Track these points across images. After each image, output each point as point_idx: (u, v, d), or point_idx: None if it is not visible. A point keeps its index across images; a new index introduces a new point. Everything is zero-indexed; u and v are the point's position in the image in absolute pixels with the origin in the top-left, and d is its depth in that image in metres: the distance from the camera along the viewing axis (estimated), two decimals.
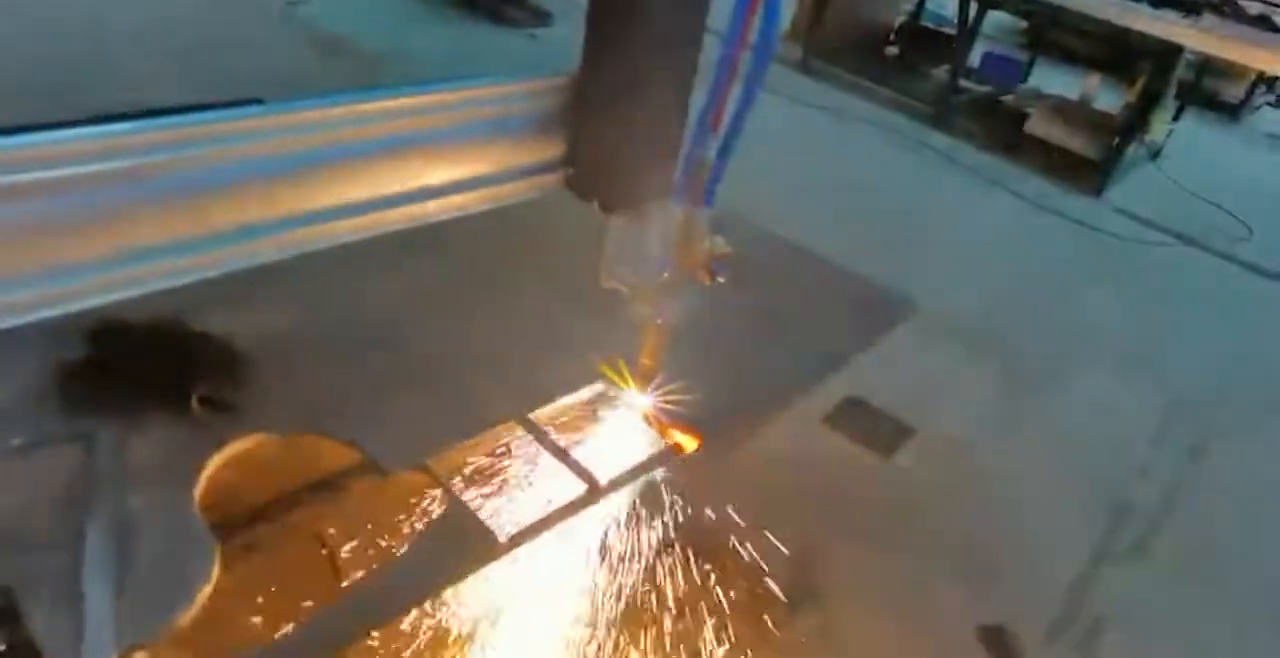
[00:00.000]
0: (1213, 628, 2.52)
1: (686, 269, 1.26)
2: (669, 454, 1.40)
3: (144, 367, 1.27)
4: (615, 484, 1.31)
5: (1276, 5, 4.76)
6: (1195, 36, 4.70)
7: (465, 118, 1.16)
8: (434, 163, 1.17)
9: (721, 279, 1.27)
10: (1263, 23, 4.60)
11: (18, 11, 4.09)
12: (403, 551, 1.27)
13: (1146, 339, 3.89)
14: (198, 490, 1.17)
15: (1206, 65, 6.18)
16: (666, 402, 1.47)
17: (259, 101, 1.06)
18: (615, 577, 1.62)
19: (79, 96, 3.08)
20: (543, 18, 6.02)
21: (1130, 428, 3.30)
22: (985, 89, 6.25)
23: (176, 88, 3.33)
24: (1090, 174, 5.32)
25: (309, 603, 1.52)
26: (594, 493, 1.29)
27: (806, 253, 2.22)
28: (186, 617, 1.03)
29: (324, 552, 1.58)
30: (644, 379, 1.48)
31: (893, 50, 6.79)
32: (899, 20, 6.87)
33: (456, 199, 1.19)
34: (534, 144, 1.23)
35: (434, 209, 1.17)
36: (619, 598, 1.67)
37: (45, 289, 0.91)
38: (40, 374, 1.24)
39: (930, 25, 6.74)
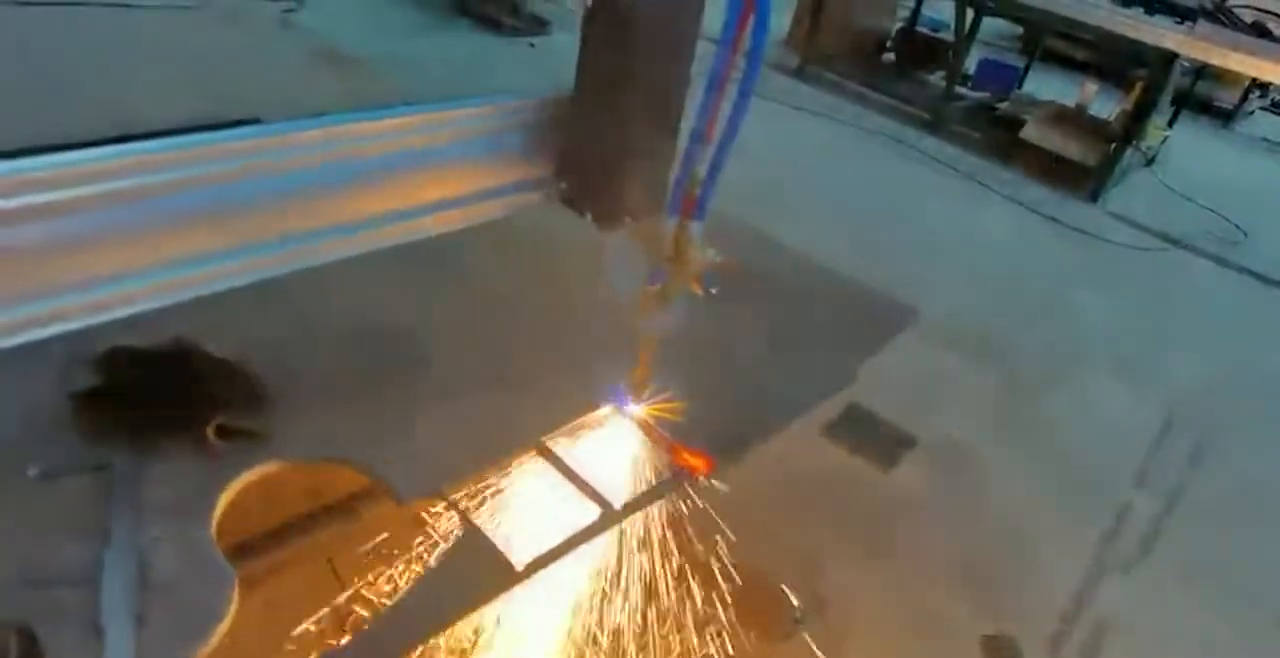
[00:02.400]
0: (1215, 634, 2.54)
1: (680, 280, 1.28)
2: (683, 476, 1.41)
3: (161, 395, 1.27)
4: (630, 508, 1.32)
5: (1271, 12, 4.80)
6: (1190, 44, 4.73)
7: (461, 135, 1.18)
8: (432, 180, 1.19)
9: (714, 290, 1.28)
10: (1257, 30, 4.63)
11: (11, 26, 4.09)
12: (418, 578, 1.27)
13: (1144, 345, 3.92)
14: (215, 520, 1.18)
15: (1201, 71, 6.23)
16: (667, 413, 1.47)
17: (256, 121, 1.07)
18: (627, 596, 1.63)
19: (81, 110, 3.08)
20: (542, 26, 6.04)
21: (1130, 434, 3.32)
22: (981, 95, 6.29)
23: (177, 101, 3.33)
24: (1086, 180, 5.37)
25: (323, 633, 1.53)
26: (609, 517, 1.30)
27: (805, 260, 2.23)
28: (207, 649, 1.03)
29: (338, 580, 1.58)
30: (641, 391, 1.49)
31: (889, 57, 6.83)
32: (895, 27, 6.91)
33: (454, 214, 1.21)
34: (529, 159, 1.24)
35: (432, 224, 1.19)
36: (630, 616, 1.68)
37: (57, 305, 0.93)
38: (56, 403, 1.25)
39: (926, 31, 6.78)
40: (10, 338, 0.89)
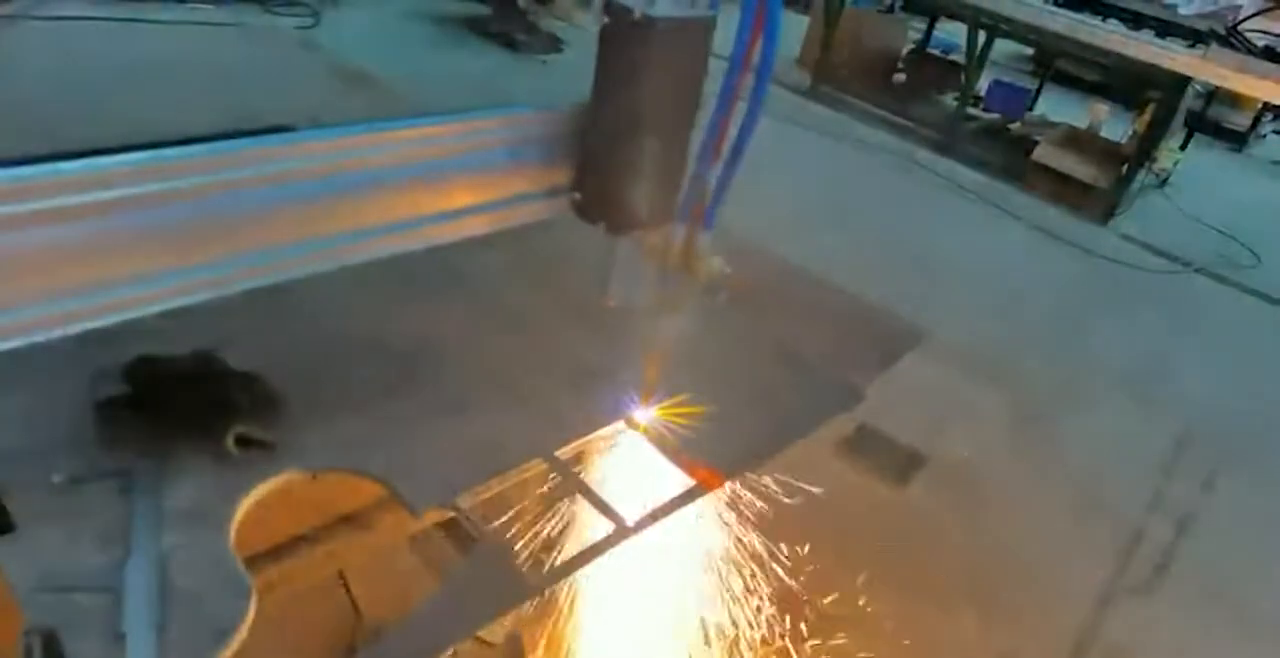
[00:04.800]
0: None
1: (687, 289, 1.30)
2: (696, 492, 1.42)
3: (182, 404, 1.30)
4: (642, 523, 1.33)
5: None
6: (1202, 67, 4.75)
7: (478, 146, 1.21)
8: (450, 188, 1.21)
9: (720, 299, 1.30)
10: (1269, 54, 4.65)
11: (41, 50, 4.19)
12: (430, 590, 1.29)
13: (1156, 368, 3.91)
14: (232, 529, 1.20)
15: (1214, 93, 6.24)
16: (678, 427, 1.49)
17: (287, 128, 1.10)
18: (638, 614, 1.63)
19: (107, 122, 3.14)
20: (555, 44, 6.12)
21: (1142, 458, 3.31)
22: (993, 117, 6.32)
23: (200, 115, 3.40)
24: (1098, 202, 5.37)
25: (333, 645, 1.53)
26: (622, 532, 1.30)
27: (813, 278, 2.24)
28: (225, 657, 1.05)
29: (349, 591, 1.59)
30: (650, 402, 1.50)
31: (900, 78, 6.87)
32: (907, 48, 6.96)
33: (470, 222, 1.24)
34: (543, 170, 1.27)
35: (449, 231, 1.22)
36: (641, 634, 1.68)
37: (84, 304, 0.95)
38: (79, 411, 1.27)
39: (938, 53, 6.83)
40: (45, 333, 0.91)
